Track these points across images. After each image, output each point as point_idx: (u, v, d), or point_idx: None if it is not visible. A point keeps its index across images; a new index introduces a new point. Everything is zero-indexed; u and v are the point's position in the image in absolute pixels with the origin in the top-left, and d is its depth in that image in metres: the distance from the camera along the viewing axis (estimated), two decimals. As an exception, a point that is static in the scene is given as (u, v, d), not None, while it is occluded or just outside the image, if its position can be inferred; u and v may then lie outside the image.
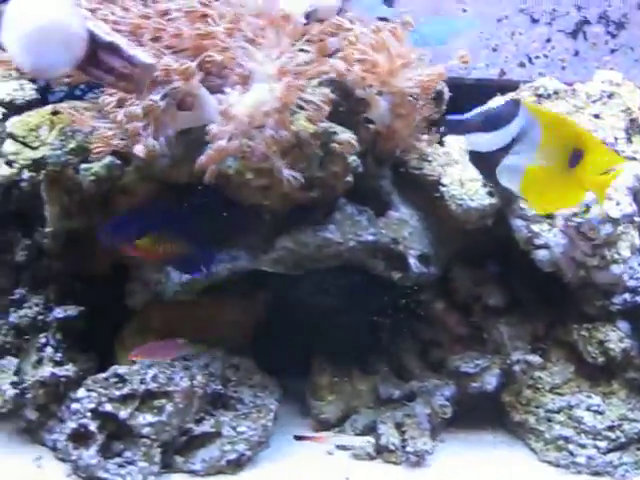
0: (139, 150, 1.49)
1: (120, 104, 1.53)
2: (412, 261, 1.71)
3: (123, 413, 1.66)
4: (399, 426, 1.78)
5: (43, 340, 1.80)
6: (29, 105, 1.82)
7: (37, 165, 1.67)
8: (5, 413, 1.80)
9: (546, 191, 1.46)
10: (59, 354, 1.79)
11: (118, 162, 1.65)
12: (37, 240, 1.81)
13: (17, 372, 1.81)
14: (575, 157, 1.42)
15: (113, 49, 1.24)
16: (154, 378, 1.69)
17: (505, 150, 1.41)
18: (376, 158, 1.69)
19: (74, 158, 1.66)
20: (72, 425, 1.70)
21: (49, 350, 1.79)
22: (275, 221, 1.68)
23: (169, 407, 1.67)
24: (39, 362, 1.80)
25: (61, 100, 1.93)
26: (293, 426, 1.89)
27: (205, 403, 1.74)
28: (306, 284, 1.98)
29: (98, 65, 1.25)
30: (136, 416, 1.66)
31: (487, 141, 1.41)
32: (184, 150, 1.63)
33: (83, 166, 1.65)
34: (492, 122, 1.41)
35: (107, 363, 1.85)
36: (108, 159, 1.64)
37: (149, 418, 1.67)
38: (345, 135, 1.56)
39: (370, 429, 1.81)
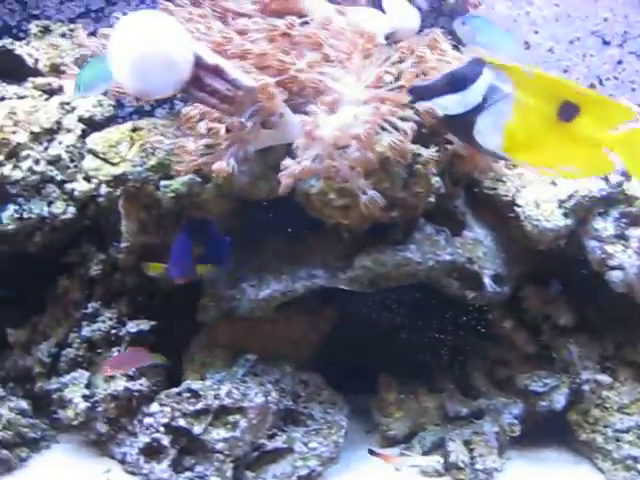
0: (219, 168, 1.50)
1: (202, 117, 1.55)
2: (487, 281, 1.72)
3: (197, 428, 1.68)
4: (467, 443, 1.79)
5: (116, 354, 1.82)
6: (107, 121, 1.85)
7: (117, 181, 1.68)
8: (76, 425, 1.84)
9: (537, 150, 1.36)
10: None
11: (198, 179, 1.66)
12: (111, 255, 1.83)
13: (88, 385, 1.83)
14: (567, 111, 1.33)
15: (217, 72, 1.26)
16: (229, 394, 1.70)
17: (477, 110, 1.35)
18: (452, 178, 1.70)
19: (154, 175, 1.67)
20: (145, 439, 1.72)
21: (123, 364, 1.81)
22: (352, 239, 1.70)
23: (243, 423, 1.68)
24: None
25: (130, 115, 1.96)
26: (358, 442, 1.90)
27: (278, 419, 1.75)
28: (369, 300, 2.00)
29: (202, 87, 1.26)
30: (209, 431, 1.68)
31: (456, 102, 1.36)
32: (263, 168, 1.65)
33: (163, 183, 1.67)
34: (458, 82, 1.36)
35: (174, 377, 1.89)
36: (188, 176, 1.66)
37: (223, 433, 1.68)
38: (427, 152, 1.58)
39: (437, 446, 1.83)
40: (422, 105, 1.44)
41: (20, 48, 1.92)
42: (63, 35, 2.05)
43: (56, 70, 1.96)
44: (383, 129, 1.50)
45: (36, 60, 1.96)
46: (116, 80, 1.26)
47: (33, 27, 2.08)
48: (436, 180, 1.59)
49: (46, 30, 2.07)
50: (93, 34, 2.08)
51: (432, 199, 1.61)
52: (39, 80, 1.91)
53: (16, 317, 1.99)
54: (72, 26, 2.08)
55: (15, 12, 2.12)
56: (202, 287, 1.83)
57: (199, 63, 1.24)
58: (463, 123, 1.38)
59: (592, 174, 1.52)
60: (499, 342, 1.91)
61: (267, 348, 1.86)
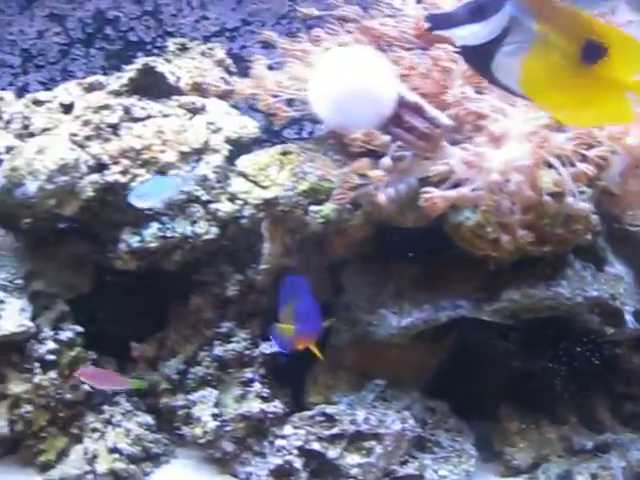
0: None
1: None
2: (628, 317, 1.72)
3: (331, 453, 1.68)
4: (594, 477, 1.79)
5: (249, 375, 1.83)
6: (253, 143, 1.86)
7: (268, 204, 1.69)
8: (202, 443, 1.85)
9: (555, 91, 1.25)
10: (266, 390, 1.82)
11: (348, 206, 1.67)
12: (249, 275, 1.84)
13: (216, 404, 1.84)
14: (590, 51, 1.20)
15: (417, 110, 1.27)
16: (366, 420, 1.71)
17: (497, 42, 1.24)
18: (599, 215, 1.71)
19: (304, 199, 1.68)
20: (276, 461, 1.72)
21: (257, 385, 1.82)
22: (496, 270, 1.70)
23: (378, 449, 1.69)
24: (243, 397, 1.82)
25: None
26: (477, 470, 1.90)
27: (410, 446, 1.76)
28: (486, 327, 2.00)
29: (400, 123, 1.27)
30: (344, 456, 1.69)
31: (476, 33, 1.23)
32: (412, 197, 1.66)
33: (313, 208, 1.68)
34: (479, 12, 1.23)
35: (298, 399, 1.91)
36: (338, 202, 1.67)
37: (357, 459, 1.69)
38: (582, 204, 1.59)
39: (562, 478, 1.82)
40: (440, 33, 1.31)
41: (161, 65, 1.93)
42: (203, 54, 2.06)
43: (197, 89, 1.96)
44: (548, 165, 1.52)
45: (178, 78, 1.97)
46: (316, 111, 1.26)
47: (171, 45, 2.10)
48: (595, 218, 1.60)
49: (183, 48, 2.08)
50: (229, 53, 2.11)
51: (589, 236, 1.62)
52: (183, 99, 1.92)
53: (136, 332, 2.02)
54: (210, 45, 2.10)
55: (150, 29, 2.13)
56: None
57: (400, 100, 1.25)
58: (482, 55, 1.27)
59: (611, 122, 1.41)
60: (626, 377, 1.91)
61: (392, 373, 1.86)
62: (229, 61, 2.08)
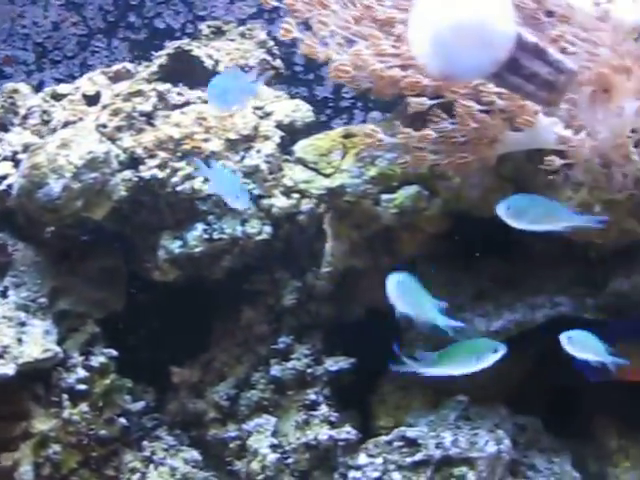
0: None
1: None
2: None
3: (416, 483, 1.46)
4: None
5: (313, 397, 1.60)
6: (308, 128, 1.65)
7: (333, 195, 1.47)
8: None
9: None
10: (334, 413, 1.59)
11: (425, 192, 1.45)
12: (309, 282, 1.62)
13: (275, 433, 1.61)
14: None
15: (538, 53, 1.06)
16: (454, 442, 1.47)
17: None
18: None
19: (373, 187, 1.46)
20: (350, 497, 1.50)
21: (323, 409, 1.59)
22: (600, 260, 1.50)
23: (471, 476, 1.46)
24: (306, 422, 1.59)
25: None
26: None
27: (505, 470, 1.52)
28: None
29: (517, 70, 1.06)
30: (431, 486, 1.46)
31: None
32: (497, 180, 1.45)
33: (385, 197, 1.46)
34: None
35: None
36: (413, 188, 1.45)
37: (447, 489, 1.46)
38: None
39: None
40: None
41: (198, 49, 1.73)
42: (242, 35, 1.86)
43: (239, 72, 1.77)
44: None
45: (216, 62, 1.76)
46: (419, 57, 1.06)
47: (204, 28, 1.91)
48: None
49: (219, 31, 1.88)
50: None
51: None
52: (224, 84, 1.72)
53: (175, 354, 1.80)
54: (249, 26, 1.90)
55: (180, 14, 1.94)
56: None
57: (518, 41, 1.04)
58: None
59: None
60: None
61: (472, 388, 1.65)
62: (271, 43, 1.89)
